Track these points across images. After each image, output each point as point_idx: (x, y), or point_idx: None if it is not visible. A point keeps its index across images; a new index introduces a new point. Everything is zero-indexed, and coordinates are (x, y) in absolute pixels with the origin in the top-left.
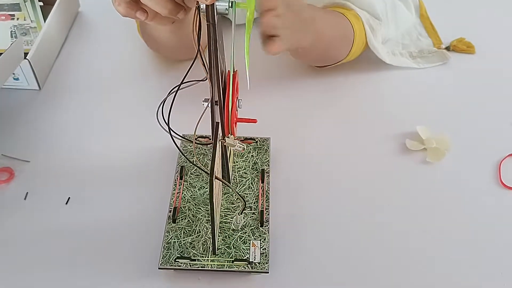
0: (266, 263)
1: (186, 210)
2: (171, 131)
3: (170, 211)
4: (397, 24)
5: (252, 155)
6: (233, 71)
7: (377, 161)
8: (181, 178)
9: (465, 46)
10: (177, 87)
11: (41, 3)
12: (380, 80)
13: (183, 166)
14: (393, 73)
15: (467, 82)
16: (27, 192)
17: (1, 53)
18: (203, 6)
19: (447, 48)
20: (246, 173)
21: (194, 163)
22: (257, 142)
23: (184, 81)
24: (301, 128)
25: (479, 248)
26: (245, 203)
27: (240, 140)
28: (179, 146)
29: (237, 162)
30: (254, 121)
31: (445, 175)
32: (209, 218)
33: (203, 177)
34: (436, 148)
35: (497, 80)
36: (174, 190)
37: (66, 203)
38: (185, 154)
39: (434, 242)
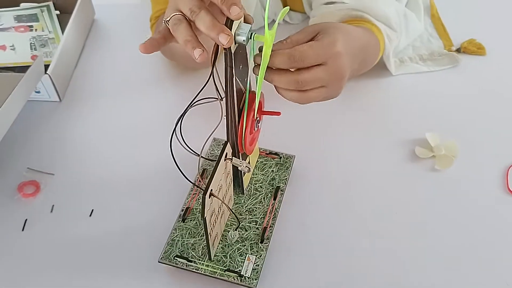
0: (255, 279)
1: (197, 212)
2: (171, 145)
3: (182, 210)
4: (408, 34)
5: (272, 170)
6: (249, 92)
7: (386, 172)
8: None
9: (476, 47)
10: (191, 103)
11: (58, 12)
12: (389, 85)
13: (205, 169)
14: (403, 78)
15: (477, 85)
16: (53, 205)
17: (23, 66)
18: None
19: (458, 50)
20: (261, 187)
21: (197, 183)
22: (281, 158)
23: (199, 99)
24: (320, 143)
25: (487, 256)
26: (239, 222)
27: (266, 154)
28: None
29: (256, 174)
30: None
31: (453, 183)
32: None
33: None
34: (444, 155)
35: (508, 82)
36: (191, 190)
37: (90, 215)
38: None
39: (443, 250)
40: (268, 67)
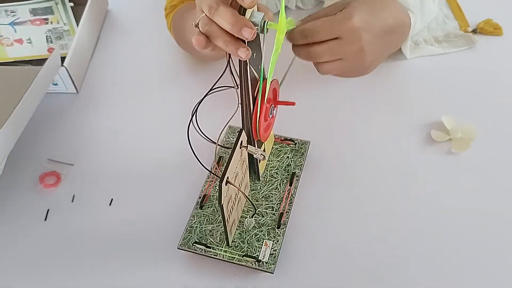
0: (273, 264)
1: (214, 199)
2: (189, 133)
3: (199, 197)
4: (423, 17)
5: (287, 157)
6: (263, 80)
7: (402, 155)
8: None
9: (492, 27)
10: (208, 91)
11: (72, 4)
12: (404, 68)
13: (221, 156)
14: (417, 60)
15: (493, 67)
16: (73, 195)
17: (40, 59)
18: None
19: (474, 31)
20: (277, 173)
21: (213, 171)
22: (296, 144)
23: (215, 87)
24: (335, 129)
25: (505, 240)
26: (255, 209)
27: (281, 140)
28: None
29: (271, 160)
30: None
31: (470, 166)
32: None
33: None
34: (461, 138)
35: None
36: (208, 178)
37: (110, 204)
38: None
39: (460, 233)
40: None
